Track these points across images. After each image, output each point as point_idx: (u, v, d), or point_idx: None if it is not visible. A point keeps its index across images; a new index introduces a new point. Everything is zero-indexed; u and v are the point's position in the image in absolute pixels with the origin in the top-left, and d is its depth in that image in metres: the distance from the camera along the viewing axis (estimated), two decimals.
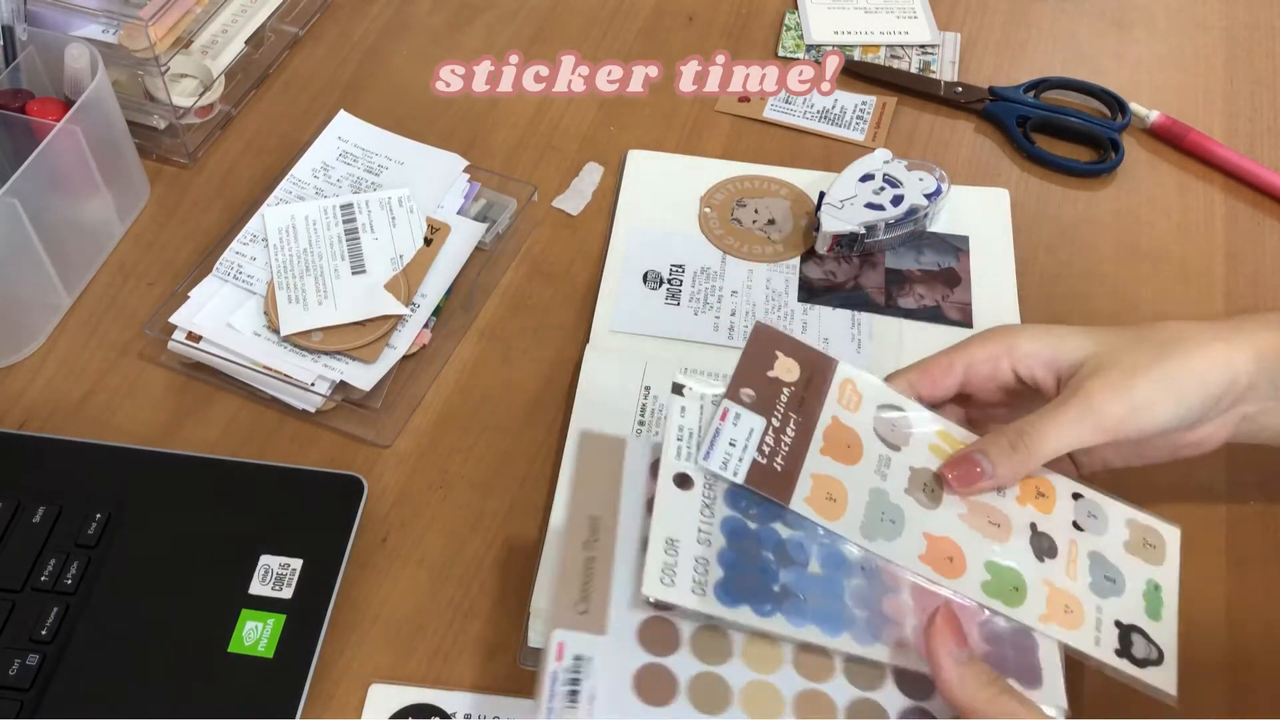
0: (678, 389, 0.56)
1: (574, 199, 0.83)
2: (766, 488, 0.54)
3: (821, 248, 0.79)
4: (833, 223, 0.77)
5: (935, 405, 0.61)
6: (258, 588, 0.62)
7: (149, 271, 0.78)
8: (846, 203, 0.78)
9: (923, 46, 0.94)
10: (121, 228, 0.80)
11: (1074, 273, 0.80)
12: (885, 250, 0.79)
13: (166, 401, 0.72)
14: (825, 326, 0.75)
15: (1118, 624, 0.56)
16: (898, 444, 0.58)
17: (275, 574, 0.62)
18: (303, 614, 0.61)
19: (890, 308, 0.77)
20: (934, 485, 0.57)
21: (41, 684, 0.58)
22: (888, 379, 0.61)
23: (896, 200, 0.79)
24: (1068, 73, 0.92)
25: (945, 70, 0.93)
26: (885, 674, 0.53)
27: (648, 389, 0.71)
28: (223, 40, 0.86)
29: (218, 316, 0.72)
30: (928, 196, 0.79)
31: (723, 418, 0.55)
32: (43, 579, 0.61)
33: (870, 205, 0.78)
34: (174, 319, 0.72)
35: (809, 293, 0.77)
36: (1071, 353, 0.59)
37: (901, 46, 0.94)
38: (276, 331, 0.71)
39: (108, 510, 0.64)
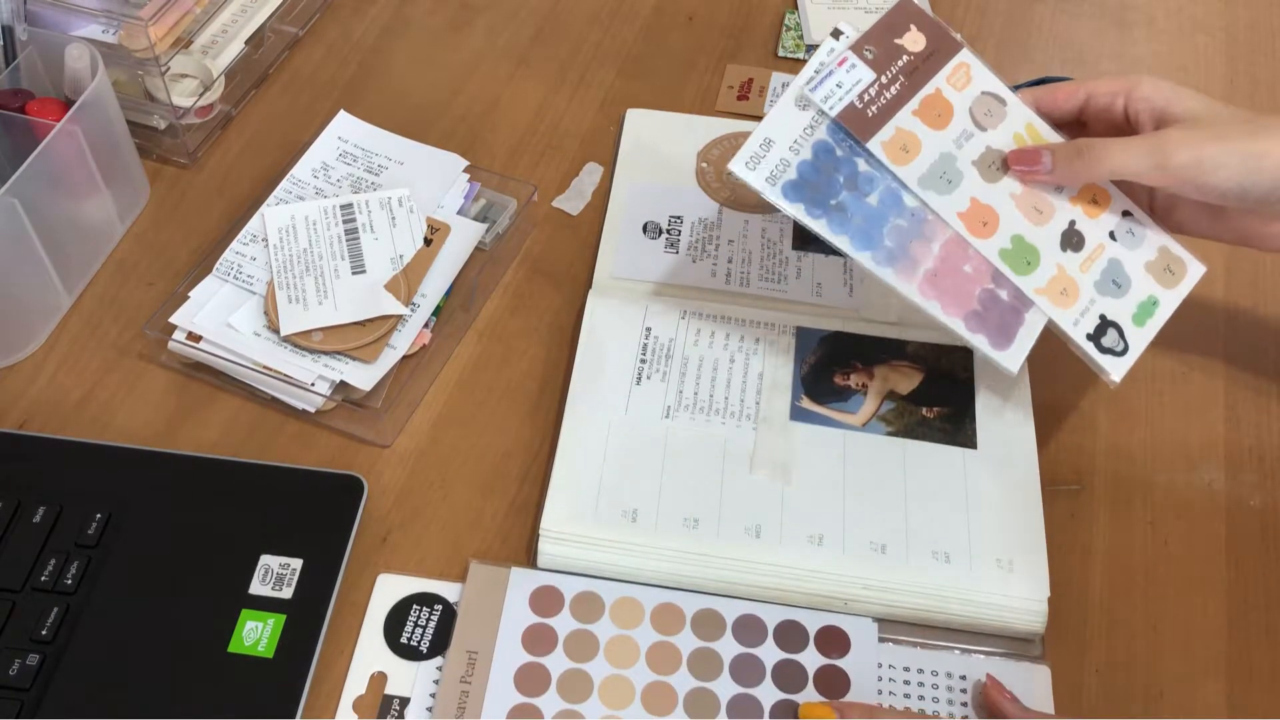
0: (837, 33, 0.65)
1: (574, 199, 0.83)
2: (853, 124, 0.64)
3: None
4: None
5: (1055, 126, 0.67)
6: (258, 587, 0.62)
7: (149, 271, 0.78)
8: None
9: None
10: (121, 228, 0.80)
11: None
12: None
13: (166, 401, 0.72)
14: (819, 273, 0.78)
15: (1101, 316, 0.65)
16: (986, 126, 0.66)
17: (275, 574, 0.62)
18: (303, 614, 0.61)
19: None
20: (1000, 166, 0.66)
21: (42, 684, 0.58)
22: (1016, 89, 0.68)
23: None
24: (1068, 73, 0.92)
25: None
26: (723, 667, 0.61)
27: (648, 330, 0.74)
28: (223, 40, 0.86)
29: (218, 316, 0.72)
30: None
31: (840, 63, 0.65)
32: (43, 579, 0.61)
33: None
34: (174, 319, 0.72)
35: (803, 241, 0.80)
36: (1180, 108, 0.63)
37: None
38: (276, 331, 0.71)
39: (108, 510, 0.64)
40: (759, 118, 0.88)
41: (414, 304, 0.74)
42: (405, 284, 0.74)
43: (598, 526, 0.64)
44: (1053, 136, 0.67)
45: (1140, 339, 0.66)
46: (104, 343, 0.75)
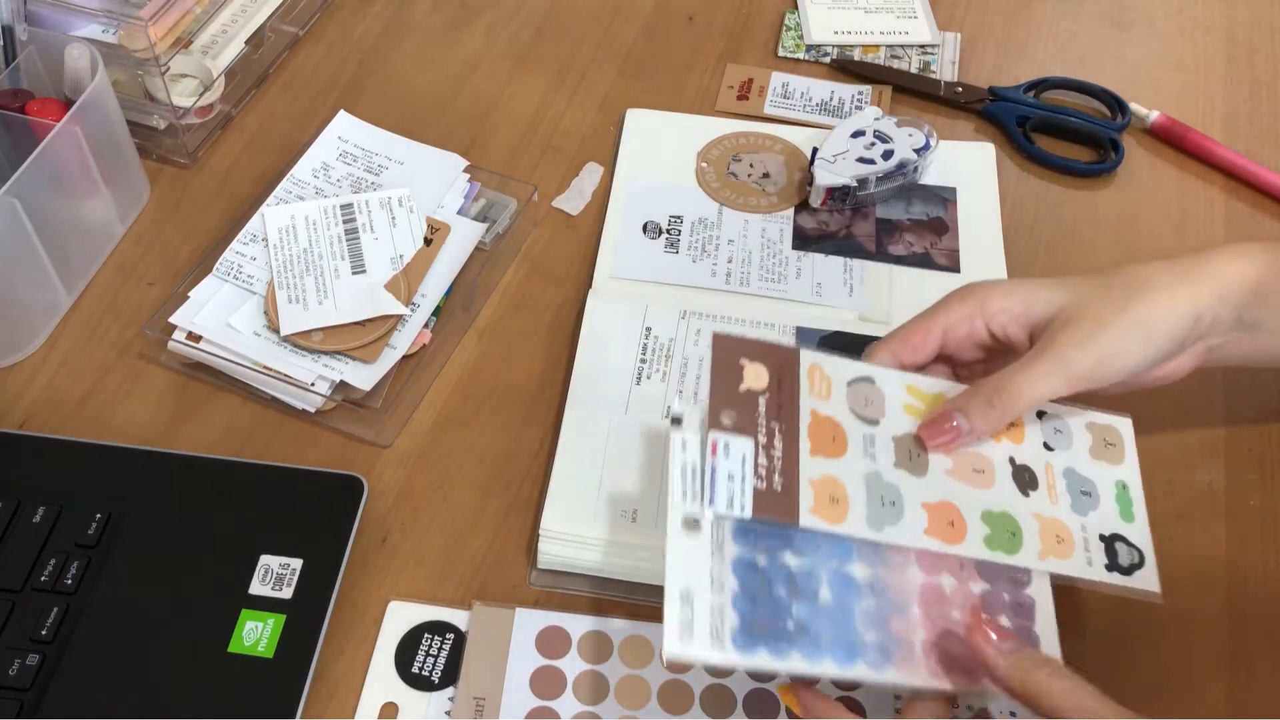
0: (676, 420, 0.56)
1: (574, 199, 0.83)
2: (775, 513, 0.54)
3: (815, 200, 0.81)
4: (826, 176, 0.80)
5: (919, 368, 0.63)
6: (258, 588, 0.62)
7: (149, 271, 0.78)
8: (839, 157, 0.81)
9: (923, 46, 0.94)
10: (121, 228, 0.80)
11: (1074, 272, 0.79)
12: (876, 202, 0.82)
13: (166, 401, 0.72)
14: (819, 273, 0.78)
15: (1101, 538, 0.60)
16: (875, 417, 0.59)
17: (275, 574, 0.62)
18: (303, 614, 0.61)
19: (881, 255, 0.80)
20: (917, 450, 0.59)
21: (42, 684, 0.58)
22: (869, 350, 0.63)
23: (887, 155, 0.82)
24: (1068, 73, 0.92)
25: (945, 70, 0.93)
26: None
27: (648, 330, 0.74)
28: (223, 40, 0.86)
29: (218, 316, 0.72)
30: (917, 151, 0.82)
31: (713, 452, 0.54)
32: (43, 579, 0.61)
33: (861, 160, 0.81)
34: (174, 319, 0.72)
35: (802, 241, 0.80)
36: (1042, 307, 0.61)
37: (901, 46, 0.94)
38: (276, 331, 0.71)
39: (108, 510, 0.64)
40: (759, 118, 0.89)
41: (414, 304, 0.74)
42: (405, 284, 0.74)
43: (598, 526, 0.64)
44: (933, 385, 0.61)
45: (1142, 534, 0.60)
46: (104, 343, 0.75)
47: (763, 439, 0.55)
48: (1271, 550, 0.67)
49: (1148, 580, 0.59)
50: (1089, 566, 0.59)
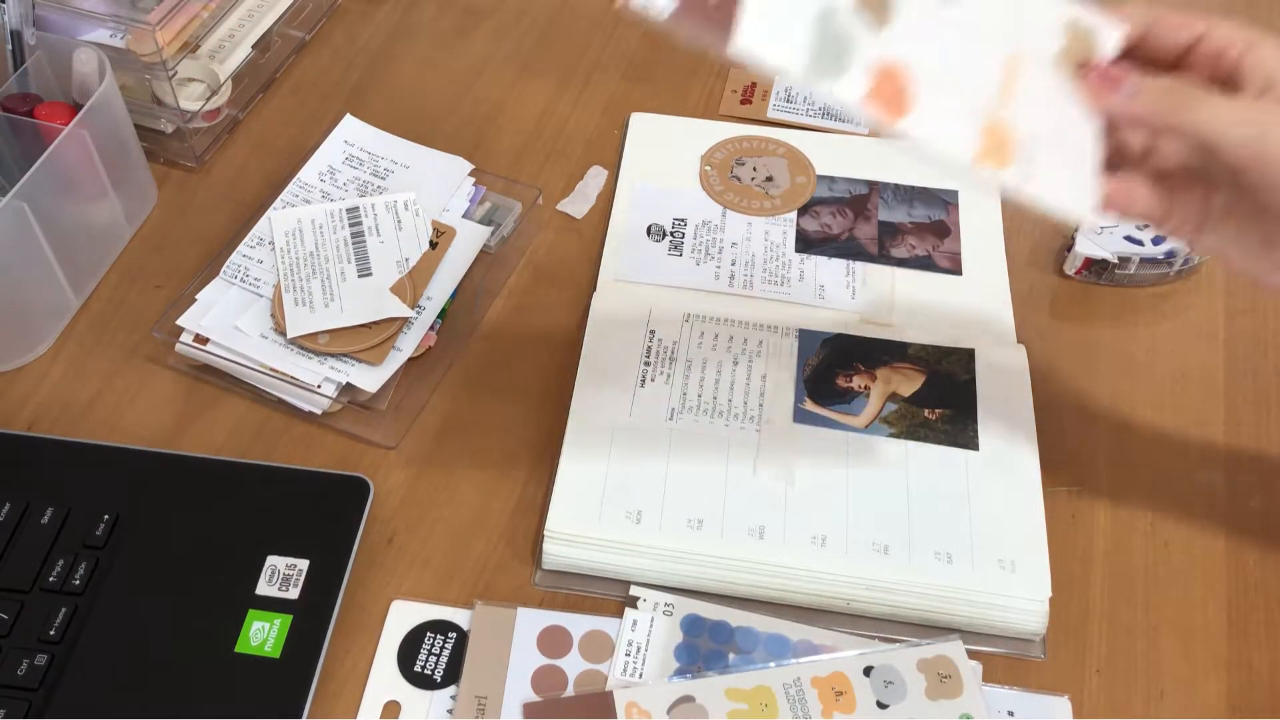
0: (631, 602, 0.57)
1: (578, 202, 0.83)
2: (701, 20, 0.47)
3: (1070, 268, 0.79)
4: (1088, 246, 0.78)
5: (1152, 63, 0.56)
6: (264, 588, 0.62)
7: (156, 274, 0.79)
8: (1106, 229, 0.79)
9: None
10: (129, 231, 0.81)
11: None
12: (1131, 284, 0.79)
13: (174, 403, 0.72)
14: (821, 275, 0.79)
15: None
16: None
17: (282, 575, 0.63)
18: (309, 614, 0.61)
19: (883, 257, 0.80)
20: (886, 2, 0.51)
21: (50, 684, 0.59)
22: (1124, 5, 0.56)
23: (1157, 240, 0.78)
24: None
25: None
26: None
27: (652, 333, 0.74)
28: (230, 45, 0.86)
29: (225, 319, 0.73)
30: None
31: None
32: (51, 579, 0.62)
33: (1129, 238, 0.78)
34: (181, 321, 0.73)
35: (805, 244, 0.81)
36: None
37: None
38: (283, 334, 0.72)
39: (115, 511, 0.64)
40: (762, 121, 0.89)
41: (419, 307, 0.74)
42: (411, 287, 0.74)
43: (602, 528, 0.65)
44: None
45: None
46: (112, 345, 0.75)
47: None
48: (1271, 551, 0.67)
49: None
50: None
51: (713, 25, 0.47)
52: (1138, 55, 0.56)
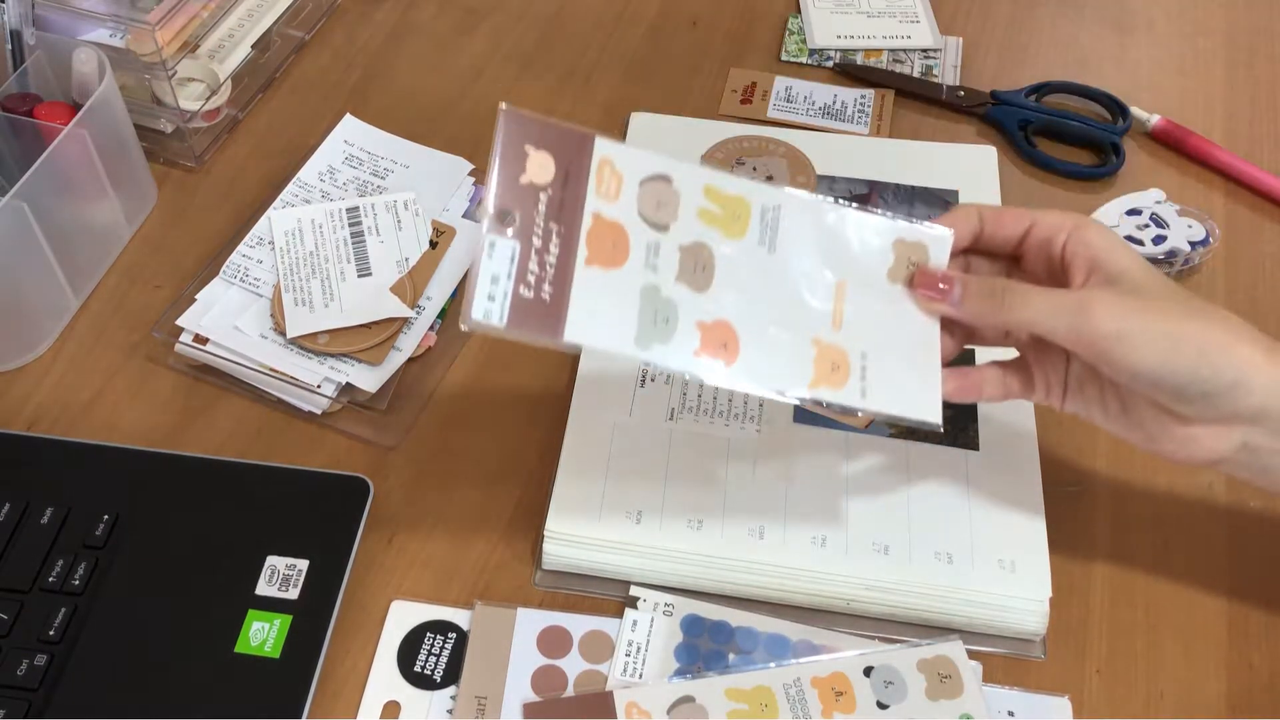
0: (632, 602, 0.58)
1: None
2: (536, 326, 0.51)
3: None
4: None
5: (992, 254, 0.61)
6: (264, 588, 0.62)
7: (156, 274, 0.79)
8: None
9: (925, 51, 0.95)
10: (129, 230, 0.81)
11: None
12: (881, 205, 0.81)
13: (173, 403, 0.72)
14: None
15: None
16: (666, 222, 0.54)
17: (282, 575, 0.63)
18: (309, 614, 0.61)
19: None
20: (706, 262, 0.55)
21: (50, 684, 0.59)
22: (957, 208, 0.61)
23: (1158, 240, 0.78)
24: (1069, 77, 0.92)
25: (947, 74, 0.93)
26: None
27: None
28: (229, 44, 0.86)
29: (224, 319, 0.73)
30: (1193, 244, 0.79)
31: (480, 253, 0.50)
32: (50, 579, 0.62)
33: (1130, 238, 0.79)
34: (181, 321, 0.73)
35: None
36: (1116, 264, 0.56)
37: (904, 51, 0.95)
38: (283, 334, 0.72)
39: (115, 511, 0.64)
40: (762, 121, 0.89)
41: (419, 306, 0.74)
42: (411, 287, 0.74)
43: (602, 528, 0.65)
44: (736, 184, 0.56)
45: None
46: (111, 345, 0.75)
47: (538, 242, 0.51)
48: (1271, 551, 0.67)
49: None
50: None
51: (544, 328, 0.51)
52: (979, 250, 0.61)
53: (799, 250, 0.57)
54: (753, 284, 0.56)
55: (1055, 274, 0.59)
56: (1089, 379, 0.59)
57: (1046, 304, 0.55)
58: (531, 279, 0.51)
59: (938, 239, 0.59)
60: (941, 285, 0.58)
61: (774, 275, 0.56)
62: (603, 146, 0.53)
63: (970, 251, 0.61)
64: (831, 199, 0.58)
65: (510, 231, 0.51)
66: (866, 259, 0.58)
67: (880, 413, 0.57)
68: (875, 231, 0.59)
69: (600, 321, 0.52)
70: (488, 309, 0.50)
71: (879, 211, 0.59)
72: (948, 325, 0.59)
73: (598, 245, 0.52)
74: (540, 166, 0.52)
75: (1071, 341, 0.55)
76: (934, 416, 0.57)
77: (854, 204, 0.58)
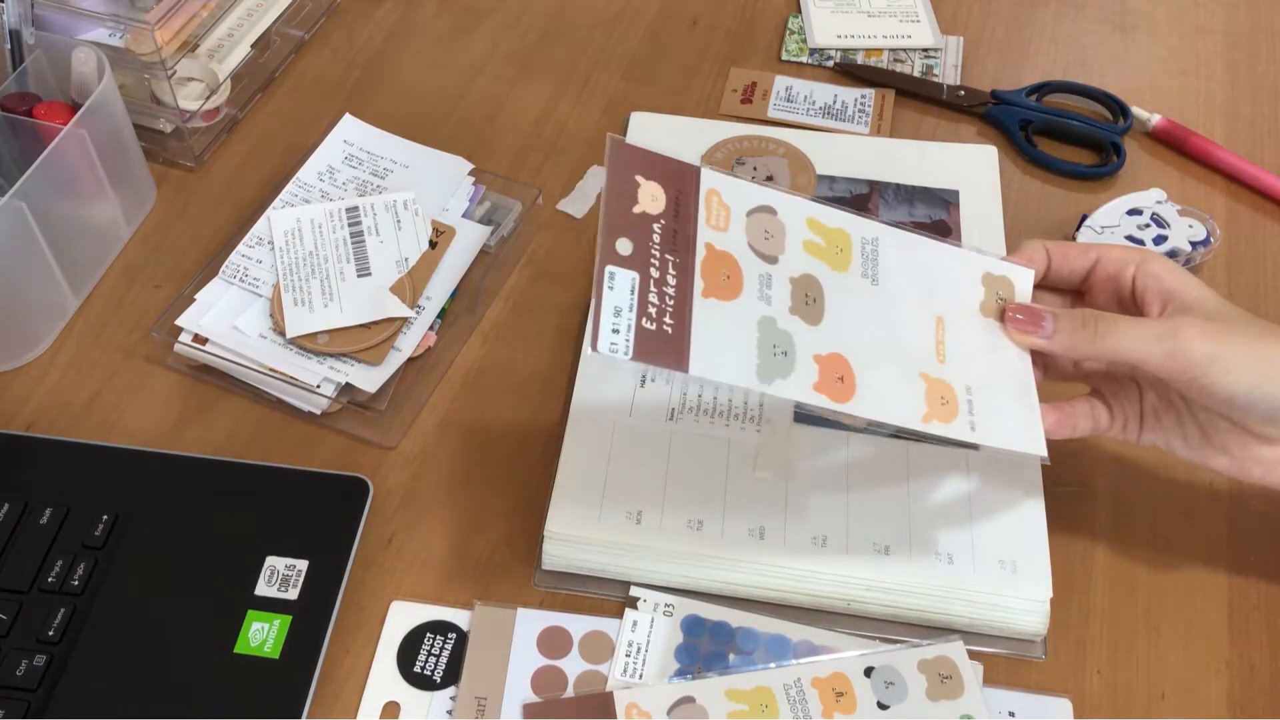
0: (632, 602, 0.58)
1: (578, 202, 0.83)
2: (662, 358, 0.50)
3: None
4: None
5: (1057, 288, 0.63)
6: (264, 589, 0.62)
7: (155, 274, 0.79)
8: (1107, 230, 0.79)
9: (925, 50, 0.95)
10: (128, 230, 0.81)
11: None
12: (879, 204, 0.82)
13: (173, 403, 0.72)
14: None
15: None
16: (774, 254, 0.55)
17: (281, 575, 0.63)
18: (309, 615, 0.61)
19: None
20: (815, 294, 0.55)
21: (49, 684, 0.59)
22: (1023, 245, 0.62)
23: (1159, 240, 0.79)
24: (1069, 76, 0.92)
25: (948, 74, 0.93)
26: None
27: None
28: (229, 44, 0.86)
29: (224, 319, 0.73)
30: (1194, 244, 0.79)
31: (599, 285, 0.50)
32: (50, 580, 0.62)
33: (1130, 238, 0.79)
34: (180, 321, 0.73)
35: None
36: (1189, 293, 0.58)
37: (904, 50, 0.95)
38: (282, 334, 0.72)
39: (114, 512, 0.64)
40: (762, 121, 0.89)
41: (419, 306, 0.74)
42: (410, 286, 0.74)
43: (602, 528, 0.65)
44: (840, 217, 0.58)
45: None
46: (110, 345, 0.75)
47: (655, 273, 0.50)
48: (1272, 551, 0.67)
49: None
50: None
51: (669, 360, 0.50)
52: (1045, 285, 0.63)
53: (899, 283, 0.58)
54: (860, 317, 0.56)
55: (1125, 306, 0.61)
56: (1165, 409, 0.61)
57: (1138, 332, 0.56)
58: (653, 310, 0.50)
59: (1021, 274, 0.60)
60: (1035, 318, 0.59)
61: (879, 308, 0.57)
62: (709, 177, 0.53)
63: (1038, 287, 0.62)
64: (922, 233, 0.59)
65: (627, 261, 0.50)
66: (959, 293, 0.59)
67: (990, 447, 0.58)
68: (964, 265, 0.59)
69: (723, 354, 0.52)
70: (613, 342, 0.49)
71: (964, 246, 0.60)
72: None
73: (713, 276, 0.52)
74: (651, 197, 0.52)
75: (1165, 369, 0.56)
76: (1040, 450, 0.58)
77: (943, 238, 0.60)
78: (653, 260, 0.51)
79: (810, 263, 0.55)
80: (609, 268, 0.50)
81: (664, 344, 0.50)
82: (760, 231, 0.54)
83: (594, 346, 0.49)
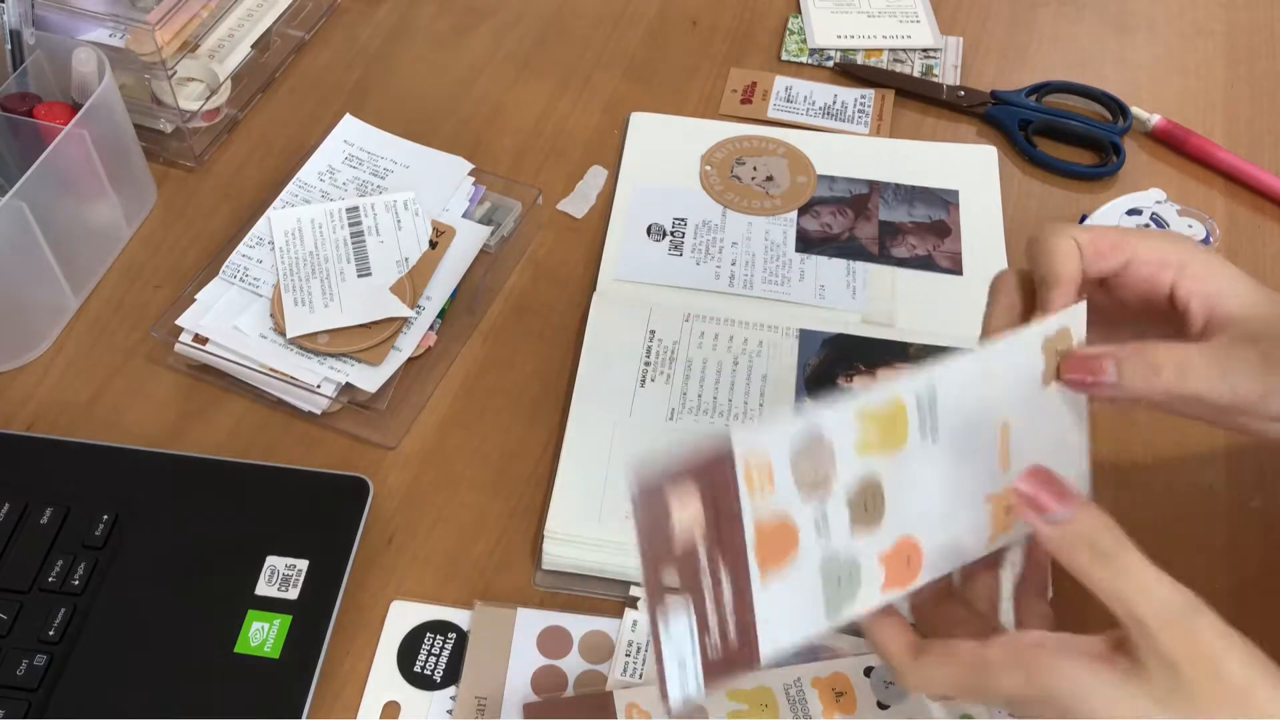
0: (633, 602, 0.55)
1: (578, 202, 0.83)
2: (733, 671, 0.48)
3: None
4: None
5: (1083, 278, 0.55)
6: (264, 588, 0.62)
7: (156, 274, 0.79)
8: None
9: (925, 50, 0.95)
10: (128, 230, 0.81)
11: None
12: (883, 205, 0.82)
13: (173, 403, 0.72)
14: (822, 275, 0.79)
15: None
16: (826, 479, 0.48)
17: (281, 575, 0.63)
18: (309, 615, 0.61)
19: (884, 257, 0.80)
20: (874, 494, 0.50)
21: (49, 684, 0.59)
22: (1054, 244, 0.54)
23: None
24: (1069, 77, 0.92)
25: (947, 74, 0.93)
26: None
27: (652, 333, 0.74)
28: (229, 44, 0.86)
29: (224, 319, 0.73)
30: None
31: (656, 639, 0.46)
32: (50, 580, 0.62)
33: None
34: (181, 321, 0.73)
35: (805, 244, 0.81)
36: (1231, 301, 0.54)
37: (904, 50, 0.95)
38: (282, 334, 0.72)
39: (114, 511, 0.64)
40: (762, 121, 0.89)
41: (419, 306, 0.74)
42: (410, 287, 0.74)
43: (602, 528, 0.65)
44: (901, 388, 0.50)
45: None
46: (111, 345, 0.75)
47: (708, 589, 0.46)
48: (1272, 552, 0.67)
49: None
50: None
51: (739, 668, 0.48)
52: None
53: (961, 419, 0.52)
54: (924, 485, 0.51)
55: (1154, 308, 0.56)
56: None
57: (1206, 369, 0.52)
58: (714, 630, 0.47)
59: (1074, 314, 0.53)
60: (1096, 368, 0.52)
61: (942, 462, 0.52)
62: (741, 444, 0.46)
63: None
64: (983, 346, 0.53)
65: (677, 591, 0.46)
66: (1022, 382, 0.53)
67: None
68: (1024, 348, 0.53)
69: (789, 625, 0.49)
70: (685, 693, 0.47)
71: (1024, 325, 0.53)
72: None
73: (767, 552, 0.47)
74: (684, 507, 0.45)
75: (1228, 402, 0.52)
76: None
77: (1007, 334, 0.53)
78: (702, 577, 0.46)
79: (866, 464, 0.49)
80: (658, 612, 0.46)
81: (731, 659, 0.47)
82: (809, 467, 0.48)
83: (665, 701, 0.46)
